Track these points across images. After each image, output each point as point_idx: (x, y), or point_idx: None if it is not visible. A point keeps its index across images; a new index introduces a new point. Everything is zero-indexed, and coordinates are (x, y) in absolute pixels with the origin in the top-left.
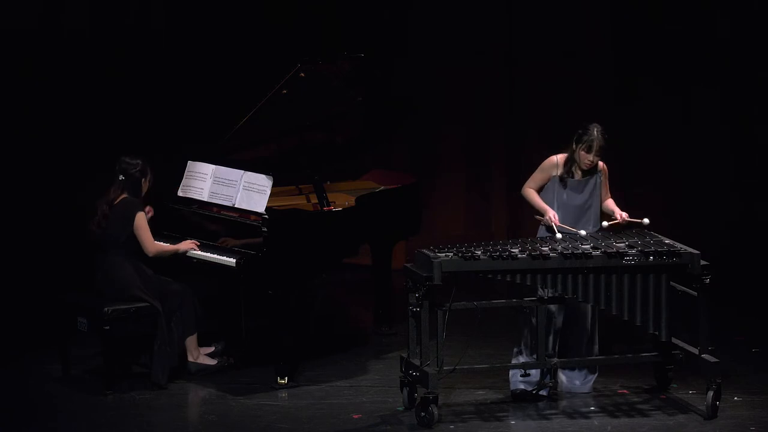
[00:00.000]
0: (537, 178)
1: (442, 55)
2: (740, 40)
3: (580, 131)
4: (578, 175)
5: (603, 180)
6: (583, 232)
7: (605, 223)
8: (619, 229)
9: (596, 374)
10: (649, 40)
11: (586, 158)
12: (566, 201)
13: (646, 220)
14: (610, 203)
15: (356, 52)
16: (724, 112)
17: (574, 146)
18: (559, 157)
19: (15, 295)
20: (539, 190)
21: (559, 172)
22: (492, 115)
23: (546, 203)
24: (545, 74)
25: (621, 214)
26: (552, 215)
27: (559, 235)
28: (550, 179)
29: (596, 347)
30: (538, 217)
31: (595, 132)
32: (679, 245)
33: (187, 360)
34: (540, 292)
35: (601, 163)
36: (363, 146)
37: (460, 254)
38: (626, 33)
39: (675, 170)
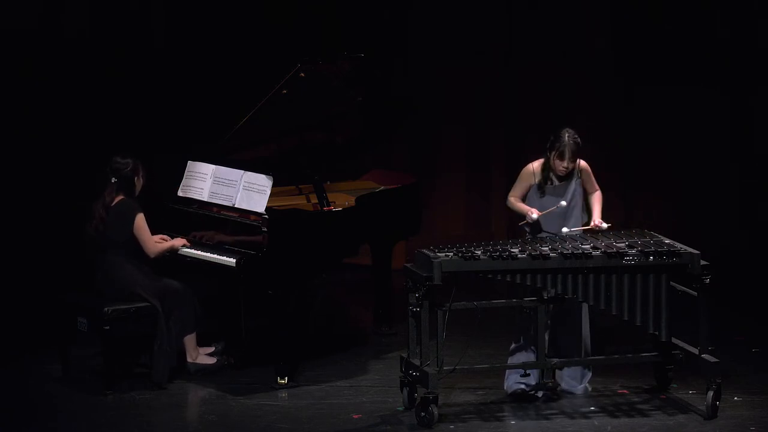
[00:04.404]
0: (518, 188)
1: (442, 55)
2: (740, 40)
3: (552, 138)
4: (556, 180)
5: (586, 178)
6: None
7: (574, 229)
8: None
9: (590, 373)
10: (649, 40)
11: (560, 165)
12: (547, 207)
13: (604, 225)
14: (595, 199)
15: (356, 52)
16: (724, 113)
17: (548, 153)
18: (535, 165)
19: (15, 295)
20: (522, 200)
21: (537, 179)
22: (492, 115)
23: None
24: (545, 74)
25: (594, 222)
26: (534, 211)
27: (565, 230)
28: (530, 188)
29: (588, 344)
30: (521, 222)
31: (566, 137)
32: (679, 245)
33: (186, 360)
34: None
35: (582, 162)
36: (363, 146)
37: (460, 254)
38: (626, 33)
39: (675, 170)
